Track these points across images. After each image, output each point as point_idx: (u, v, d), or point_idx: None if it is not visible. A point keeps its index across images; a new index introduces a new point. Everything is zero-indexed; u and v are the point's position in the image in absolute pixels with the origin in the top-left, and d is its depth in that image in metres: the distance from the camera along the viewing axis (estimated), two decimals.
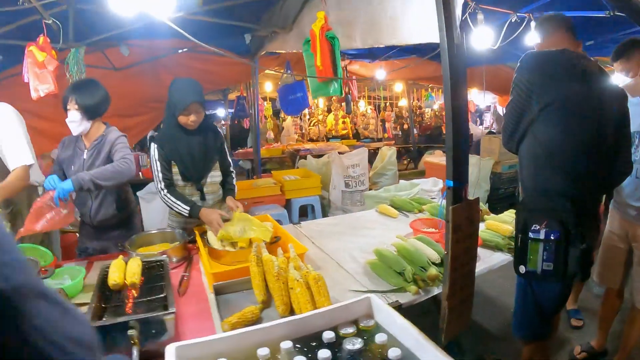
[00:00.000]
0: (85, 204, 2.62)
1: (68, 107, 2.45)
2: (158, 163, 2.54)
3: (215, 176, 2.70)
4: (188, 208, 2.49)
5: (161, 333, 1.52)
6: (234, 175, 2.84)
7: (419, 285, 1.93)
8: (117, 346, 1.44)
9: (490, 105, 13.17)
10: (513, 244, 2.18)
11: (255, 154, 6.31)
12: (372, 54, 6.27)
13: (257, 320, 1.66)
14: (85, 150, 2.54)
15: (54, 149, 5.16)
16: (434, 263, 2.06)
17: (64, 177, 2.53)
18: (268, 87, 8.71)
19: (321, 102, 11.69)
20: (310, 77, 2.99)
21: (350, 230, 2.74)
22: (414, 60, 6.35)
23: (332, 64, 2.79)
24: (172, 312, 1.52)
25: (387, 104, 12.74)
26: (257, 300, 1.77)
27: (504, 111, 11.05)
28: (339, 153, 5.92)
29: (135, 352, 1.38)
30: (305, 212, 5.62)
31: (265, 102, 10.11)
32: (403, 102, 11.98)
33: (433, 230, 2.57)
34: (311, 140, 11.39)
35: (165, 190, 2.53)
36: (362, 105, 12.12)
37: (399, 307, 1.80)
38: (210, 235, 2.44)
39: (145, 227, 4.35)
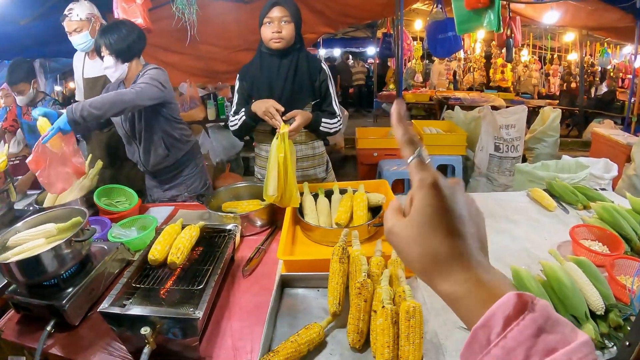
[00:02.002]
0: (134, 153, 2.45)
1: (102, 53, 2.25)
2: (236, 95, 2.20)
3: None
4: (242, 113, 2.09)
5: (186, 333, 1.19)
6: (339, 119, 2.21)
7: None
8: (134, 335, 1.19)
9: None
10: None
11: (397, 98, 5.69)
12: None
13: (318, 346, 1.18)
14: None
15: (182, 83, 5.29)
16: (593, 313, 1.26)
17: None
18: (418, 25, 7.88)
19: (478, 45, 10.39)
20: None
21: (487, 219, 1.91)
22: (594, 2, 5.09)
23: None
24: (196, 319, 1.15)
25: (554, 56, 10.85)
26: (329, 310, 1.26)
27: None
28: (493, 108, 4.92)
29: (145, 352, 1.14)
30: (443, 173, 4.89)
31: (414, 42, 9.27)
32: (572, 56, 10.04)
33: (600, 248, 1.69)
34: (469, 89, 10.24)
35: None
36: (525, 55, 10.48)
37: None
38: (306, 200, 1.98)
39: None
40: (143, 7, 2.81)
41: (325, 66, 2.17)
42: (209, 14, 2.95)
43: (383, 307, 1.10)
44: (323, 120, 2.12)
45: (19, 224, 1.67)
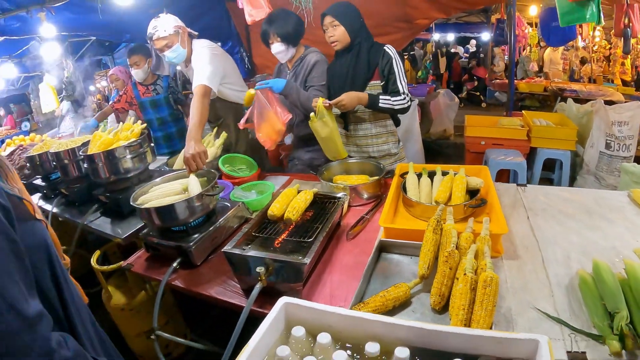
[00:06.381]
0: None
1: (270, 40, 2.61)
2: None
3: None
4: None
5: (292, 277, 1.45)
6: (403, 97, 2.39)
7: (626, 345, 1.17)
8: (249, 274, 1.50)
9: None
10: None
11: (509, 88, 5.55)
12: None
13: (403, 303, 1.38)
14: (288, 72, 2.69)
15: None
16: None
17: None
18: (533, 11, 7.44)
19: (597, 33, 9.53)
20: None
21: (582, 215, 2.00)
22: None
23: None
24: (304, 264, 1.40)
25: None
26: (418, 273, 1.43)
27: None
28: (607, 103, 4.57)
29: (257, 287, 1.40)
30: (550, 168, 4.74)
31: (530, 29, 8.80)
32: None
33: None
34: (595, 81, 9.44)
35: None
36: None
37: None
38: (410, 179, 2.15)
39: None
40: None
41: (389, 50, 2.42)
42: (324, 2, 3.15)
43: (465, 274, 1.26)
44: (381, 97, 2.34)
45: (157, 179, 2.03)
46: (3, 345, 0.76)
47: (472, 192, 2.03)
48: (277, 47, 2.59)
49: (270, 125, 2.44)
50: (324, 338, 0.96)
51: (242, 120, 2.49)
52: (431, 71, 12.58)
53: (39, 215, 1.00)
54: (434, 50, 13.02)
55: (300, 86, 2.57)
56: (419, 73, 12.61)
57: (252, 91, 2.44)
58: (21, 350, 0.78)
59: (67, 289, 1.02)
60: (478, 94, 11.04)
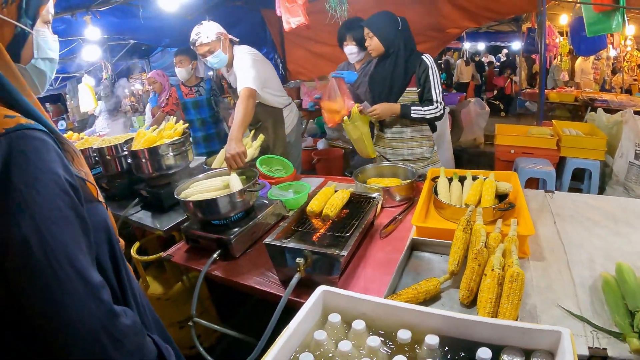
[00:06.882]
0: None
1: (345, 42, 2.98)
2: None
3: None
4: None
5: (329, 269, 1.54)
6: (436, 105, 2.54)
7: None
8: (287, 266, 1.60)
9: None
10: None
11: (539, 97, 5.52)
12: None
13: (433, 297, 1.46)
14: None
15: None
16: None
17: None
18: (564, 20, 7.38)
19: (629, 42, 9.34)
20: (583, 2, 2.29)
21: (607, 221, 2.04)
22: None
23: None
24: (341, 256, 1.50)
25: None
26: (448, 269, 1.51)
27: None
28: (637, 113, 4.52)
29: (296, 277, 1.49)
30: (580, 178, 4.70)
31: (561, 38, 8.69)
32: None
33: None
34: (629, 91, 9.26)
35: None
36: None
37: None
38: (441, 183, 2.23)
39: None
40: (303, 6, 3.19)
41: (426, 59, 2.55)
42: (358, 10, 3.26)
43: (492, 270, 1.34)
44: (413, 108, 2.52)
45: (200, 176, 2.15)
46: (71, 311, 0.81)
47: (501, 197, 2.10)
48: (351, 49, 2.97)
49: (335, 109, 2.74)
50: (358, 325, 1.03)
51: (314, 95, 2.72)
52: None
53: (100, 198, 1.05)
54: (459, 57, 12.98)
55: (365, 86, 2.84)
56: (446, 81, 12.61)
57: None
58: (87, 315, 0.83)
59: (124, 269, 1.08)
60: (497, 102, 10.97)
